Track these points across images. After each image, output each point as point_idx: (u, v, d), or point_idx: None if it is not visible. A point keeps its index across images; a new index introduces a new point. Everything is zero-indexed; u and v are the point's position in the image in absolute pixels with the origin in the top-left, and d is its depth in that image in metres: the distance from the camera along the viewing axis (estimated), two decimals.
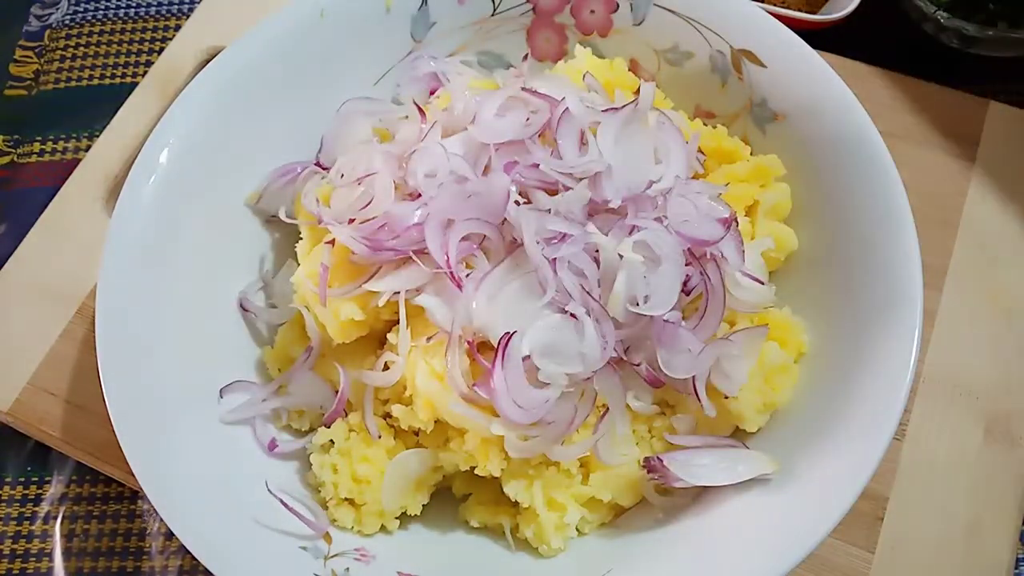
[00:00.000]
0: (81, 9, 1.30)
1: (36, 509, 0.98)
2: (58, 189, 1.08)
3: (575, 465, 0.80)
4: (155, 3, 1.30)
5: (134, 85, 1.15)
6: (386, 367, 0.80)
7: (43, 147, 1.20)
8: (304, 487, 0.86)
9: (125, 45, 1.27)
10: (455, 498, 0.88)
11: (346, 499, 0.82)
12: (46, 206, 1.07)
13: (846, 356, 0.80)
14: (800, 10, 1.17)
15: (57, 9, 1.31)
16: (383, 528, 0.84)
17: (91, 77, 1.25)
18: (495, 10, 0.99)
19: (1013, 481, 0.88)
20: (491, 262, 0.79)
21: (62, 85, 1.25)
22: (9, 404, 0.97)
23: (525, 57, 1.01)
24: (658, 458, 0.77)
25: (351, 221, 0.82)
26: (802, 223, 0.89)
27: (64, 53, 1.27)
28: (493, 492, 0.83)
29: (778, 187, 0.90)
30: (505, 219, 0.79)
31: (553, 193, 0.80)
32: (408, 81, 0.99)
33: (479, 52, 1.02)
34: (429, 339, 0.79)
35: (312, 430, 0.87)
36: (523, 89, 0.88)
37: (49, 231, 1.06)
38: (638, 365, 0.78)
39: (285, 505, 0.79)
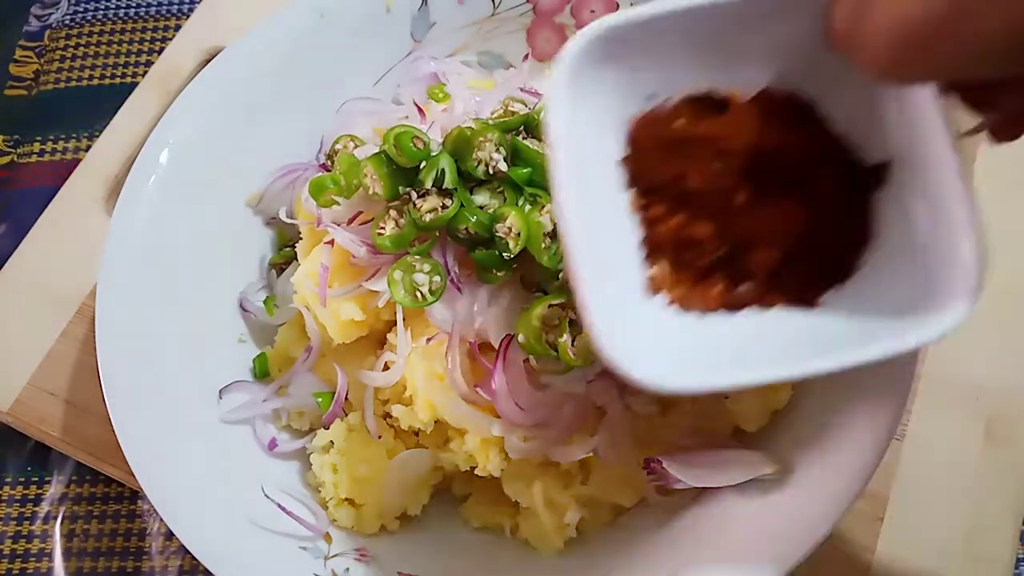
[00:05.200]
0: (81, 9, 1.30)
1: (36, 509, 0.98)
2: (58, 189, 1.08)
3: (575, 465, 0.80)
4: (155, 3, 1.30)
5: (134, 85, 1.15)
6: (386, 367, 0.80)
7: (43, 147, 1.20)
8: (304, 487, 0.86)
9: (125, 45, 1.27)
10: (455, 498, 0.88)
11: (346, 499, 0.82)
12: (46, 206, 1.07)
13: None
14: None
15: (57, 9, 1.31)
16: (383, 528, 0.84)
17: (91, 77, 1.25)
18: (495, 10, 0.99)
19: (1013, 481, 0.88)
20: None
21: (62, 85, 1.25)
22: (9, 404, 0.97)
23: (525, 57, 1.01)
24: (658, 459, 0.77)
25: (351, 222, 0.82)
26: None
27: (64, 53, 1.27)
28: (493, 492, 0.83)
29: None
30: None
31: None
32: (408, 81, 1.00)
33: (479, 52, 1.02)
34: (429, 340, 0.79)
35: (312, 430, 0.87)
36: (522, 89, 0.88)
37: (49, 231, 1.06)
38: None
39: (283, 509, 0.79)
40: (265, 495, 0.80)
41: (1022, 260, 0.98)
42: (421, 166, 0.78)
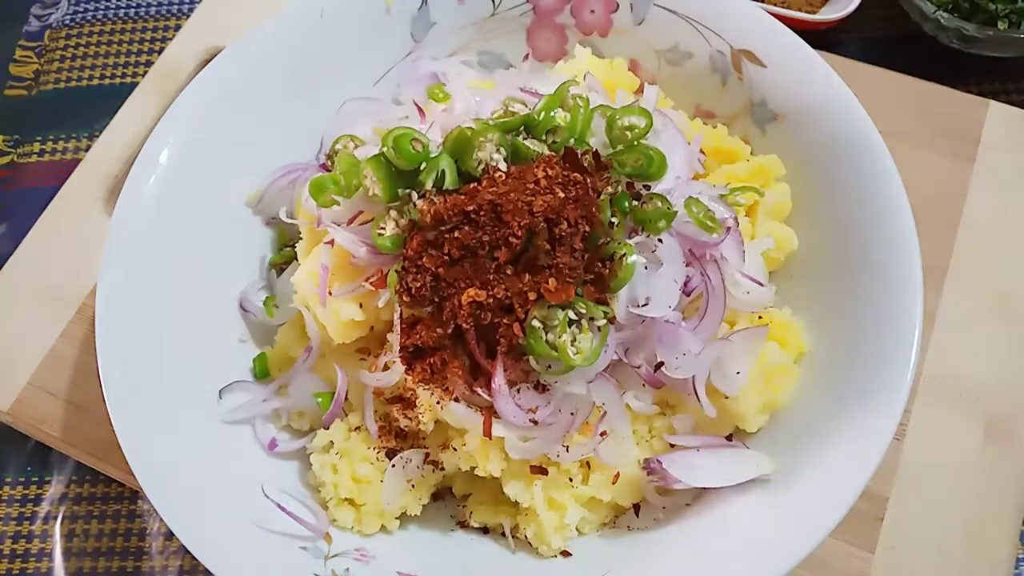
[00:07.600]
0: (81, 9, 1.30)
1: (36, 509, 0.98)
2: (58, 189, 1.08)
3: (575, 465, 0.80)
4: (155, 3, 1.30)
5: (134, 85, 1.15)
6: (386, 367, 0.80)
7: (43, 147, 1.20)
8: (304, 487, 0.86)
9: (125, 45, 1.27)
10: (455, 498, 0.88)
11: (346, 499, 0.82)
12: (46, 206, 1.07)
13: (846, 356, 0.80)
14: (800, 10, 1.17)
15: (57, 9, 1.31)
16: (383, 528, 0.84)
17: (91, 77, 1.25)
18: (495, 10, 0.99)
19: (1013, 481, 0.88)
20: None
21: (62, 85, 1.25)
22: (9, 404, 0.97)
23: (525, 57, 1.01)
24: (658, 460, 0.77)
25: (351, 222, 0.82)
26: (802, 223, 0.89)
27: (64, 53, 1.27)
28: (493, 492, 0.83)
29: (778, 187, 0.90)
30: None
31: None
32: (408, 81, 0.99)
33: (479, 52, 1.02)
34: None
35: (312, 430, 0.87)
36: (522, 89, 0.88)
37: (49, 231, 1.06)
38: (638, 367, 0.78)
39: (283, 509, 0.79)
40: (265, 495, 0.80)
41: (1022, 261, 0.98)
42: (421, 167, 0.78)
